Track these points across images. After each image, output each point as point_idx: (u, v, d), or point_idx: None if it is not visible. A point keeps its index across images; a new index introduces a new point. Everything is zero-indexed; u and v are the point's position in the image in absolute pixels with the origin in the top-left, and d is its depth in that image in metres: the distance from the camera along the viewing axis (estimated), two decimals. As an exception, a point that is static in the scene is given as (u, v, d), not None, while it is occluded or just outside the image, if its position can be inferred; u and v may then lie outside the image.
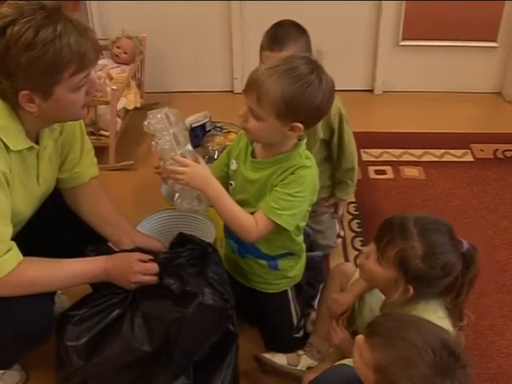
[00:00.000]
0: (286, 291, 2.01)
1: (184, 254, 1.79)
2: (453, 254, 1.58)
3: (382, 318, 1.47)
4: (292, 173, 1.69)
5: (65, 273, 1.70)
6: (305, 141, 1.75)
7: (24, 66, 1.46)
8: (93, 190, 1.95)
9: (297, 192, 1.68)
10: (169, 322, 1.65)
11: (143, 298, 1.73)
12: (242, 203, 1.76)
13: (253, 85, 1.59)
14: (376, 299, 1.81)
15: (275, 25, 2.20)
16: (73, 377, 1.72)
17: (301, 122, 1.62)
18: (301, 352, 2.02)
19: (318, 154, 2.37)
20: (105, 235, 1.93)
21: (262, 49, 2.18)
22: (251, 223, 1.71)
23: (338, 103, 2.24)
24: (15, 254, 1.62)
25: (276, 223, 1.70)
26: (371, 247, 1.67)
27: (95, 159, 1.98)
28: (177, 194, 1.77)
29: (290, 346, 2.05)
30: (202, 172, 1.70)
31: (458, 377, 1.27)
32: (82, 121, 1.87)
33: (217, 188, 1.71)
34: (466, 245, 1.61)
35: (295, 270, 1.98)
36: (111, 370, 1.69)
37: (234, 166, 1.83)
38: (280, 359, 1.98)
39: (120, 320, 1.72)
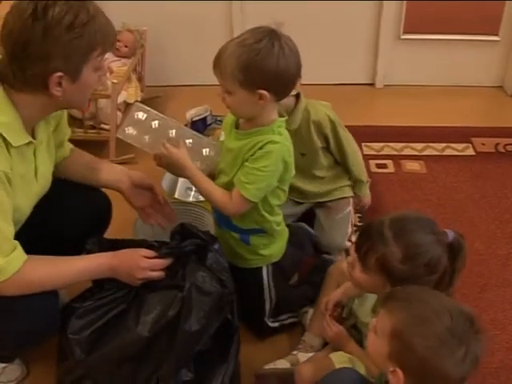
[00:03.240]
0: (260, 269, 2.03)
1: (186, 250, 1.78)
2: (435, 249, 1.58)
3: (401, 287, 1.48)
4: (260, 148, 1.76)
5: (70, 271, 1.70)
6: (283, 119, 1.83)
7: (64, 47, 1.50)
8: (76, 157, 1.99)
9: (264, 167, 1.76)
10: (170, 308, 1.66)
11: (146, 291, 1.73)
12: (221, 172, 1.91)
13: (214, 62, 1.73)
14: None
15: None
16: (74, 370, 1.72)
17: (266, 90, 1.69)
18: (294, 352, 2.02)
19: (327, 159, 2.44)
20: (105, 184, 2.00)
21: None
22: (225, 199, 1.84)
23: (327, 111, 2.33)
24: (20, 253, 1.61)
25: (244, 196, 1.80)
26: (354, 256, 1.69)
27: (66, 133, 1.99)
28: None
29: (260, 330, 2.10)
30: (175, 157, 1.85)
31: (473, 345, 1.28)
32: None
33: (190, 169, 1.86)
34: (450, 234, 1.60)
35: (270, 248, 2.00)
36: (112, 363, 1.69)
37: (222, 137, 1.94)
38: (282, 364, 1.98)
39: (124, 315, 1.73)
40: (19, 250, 1.61)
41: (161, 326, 1.66)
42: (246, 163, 1.78)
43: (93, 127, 3.06)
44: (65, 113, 1.90)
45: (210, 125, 2.78)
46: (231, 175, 1.85)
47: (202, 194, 1.92)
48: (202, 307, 1.68)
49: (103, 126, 3.06)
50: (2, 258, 1.56)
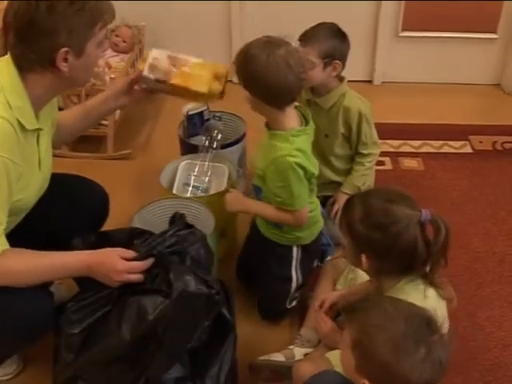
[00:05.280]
0: (290, 247, 2.12)
1: (160, 240, 1.77)
2: (394, 216, 1.55)
3: (362, 299, 1.51)
4: (274, 165, 1.89)
5: (47, 265, 1.67)
6: (300, 128, 1.92)
7: (68, 20, 1.55)
8: (66, 118, 2.01)
9: (287, 184, 1.89)
10: (154, 314, 1.63)
11: (128, 294, 1.71)
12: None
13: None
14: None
15: (318, 24, 2.35)
16: (65, 371, 1.71)
17: (254, 95, 1.84)
18: (291, 346, 2.03)
19: (344, 149, 2.51)
20: (103, 114, 2.08)
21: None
22: (288, 218, 1.99)
23: (361, 104, 2.44)
24: (2, 241, 1.60)
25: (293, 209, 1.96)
26: None
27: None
28: None
29: (280, 311, 2.19)
30: (234, 196, 2.10)
31: (434, 347, 1.26)
32: None
33: (252, 205, 2.08)
34: (425, 214, 1.56)
35: (301, 231, 2.08)
36: (100, 364, 1.68)
37: None
38: (277, 357, 1.98)
39: (108, 317, 1.72)
40: (3, 238, 1.60)
41: (144, 329, 1.63)
42: (270, 185, 1.94)
43: (91, 122, 3.05)
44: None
45: (207, 120, 2.76)
46: (259, 169, 1.99)
47: (269, 219, 2.07)
48: (189, 310, 1.67)
49: (101, 121, 3.05)
50: None
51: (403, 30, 3.69)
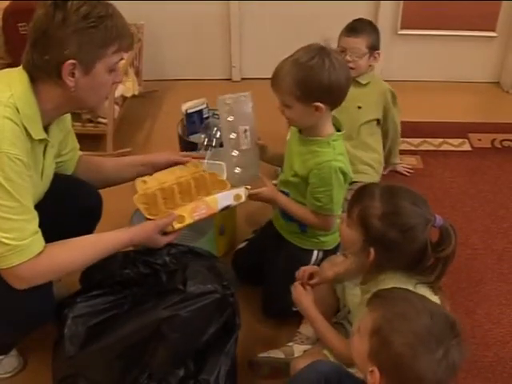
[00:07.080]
0: (311, 251, 2.15)
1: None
2: (414, 219, 1.54)
3: (388, 288, 1.48)
4: (318, 169, 1.94)
5: (100, 251, 1.73)
6: (339, 133, 1.99)
7: (80, 33, 1.57)
8: (84, 167, 2.04)
9: (329, 189, 1.94)
10: (164, 311, 1.65)
11: (141, 296, 1.74)
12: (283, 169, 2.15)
13: (272, 80, 1.91)
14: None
15: (356, 19, 2.66)
16: (66, 366, 1.71)
17: (321, 102, 1.86)
18: (290, 343, 2.03)
19: (373, 136, 2.76)
20: (133, 179, 2.06)
21: (340, 34, 2.62)
22: (316, 221, 2.03)
23: (387, 85, 2.80)
24: (40, 238, 1.61)
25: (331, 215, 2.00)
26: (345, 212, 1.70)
27: (77, 144, 2.05)
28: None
29: (284, 312, 2.13)
30: (266, 193, 2.05)
31: (452, 349, 1.26)
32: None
33: (283, 201, 2.07)
34: (439, 220, 1.57)
35: (325, 235, 2.12)
36: (103, 361, 1.68)
37: (288, 137, 2.16)
38: (276, 354, 1.99)
39: (116, 318, 1.74)
40: (40, 235, 1.61)
41: (152, 328, 1.64)
42: (311, 189, 1.97)
43: (90, 121, 3.06)
44: (69, 120, 1.94)
45: (207, 118, 2.77)
46: (288, 175, 2.06)
47: (295, 217, 2.08)
48: (202, 309, 1.67)
49: (101, 119, 3.06)
50: (29, 236, 1.57)
51: (402, 28, 3.69)
